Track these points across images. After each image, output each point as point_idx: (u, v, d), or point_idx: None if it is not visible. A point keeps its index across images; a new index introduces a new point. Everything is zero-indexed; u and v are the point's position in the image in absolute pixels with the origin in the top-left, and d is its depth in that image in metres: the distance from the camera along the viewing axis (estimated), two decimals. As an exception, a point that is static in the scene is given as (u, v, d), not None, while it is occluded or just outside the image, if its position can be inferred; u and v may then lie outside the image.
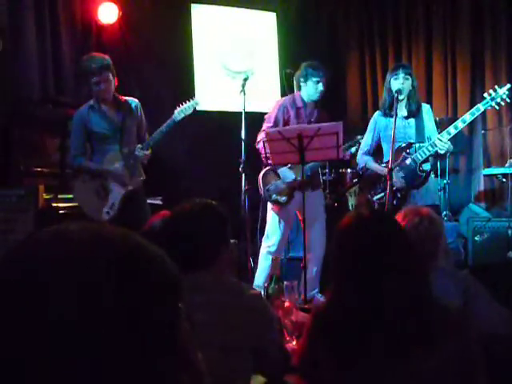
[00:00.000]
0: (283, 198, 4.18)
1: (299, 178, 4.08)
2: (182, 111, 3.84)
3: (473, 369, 1.40)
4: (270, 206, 4.29)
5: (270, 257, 4.10)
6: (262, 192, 4.22)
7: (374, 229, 1.50)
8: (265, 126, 4.26)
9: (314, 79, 4.19)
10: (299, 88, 4.31)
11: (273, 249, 4.19)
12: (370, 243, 1.46)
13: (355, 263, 1.47)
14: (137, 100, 3.91)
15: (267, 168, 4.25)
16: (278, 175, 4.23)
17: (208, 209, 1.81)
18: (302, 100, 4.27)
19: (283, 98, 4.40)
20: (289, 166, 4.22)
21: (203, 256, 1.73)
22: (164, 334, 0.55)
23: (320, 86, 4.21)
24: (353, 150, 4.46)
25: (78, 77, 3.83)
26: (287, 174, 4.22)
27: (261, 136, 4.18)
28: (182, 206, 1.82)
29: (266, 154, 3.98)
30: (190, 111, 3.87)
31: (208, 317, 1.58)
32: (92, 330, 0.51)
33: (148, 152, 3.80)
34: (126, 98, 3.87)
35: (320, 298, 4.15)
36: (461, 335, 1.41)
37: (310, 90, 4.23)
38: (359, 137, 4.43)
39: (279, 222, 4.21)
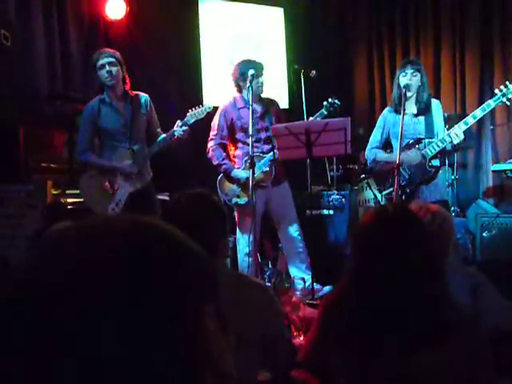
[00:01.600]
0: (242, 200, 4.25)
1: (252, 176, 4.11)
2: (194, 115, 3.90)
3: (483, 368, 1.39)
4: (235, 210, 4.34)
5: (247, 258, 4.16)
6: (222, 199, 4.26)
7: (399, 227, 1.47)
8: (210, 134, 4.32)
9: (252, 73, 4.05)
10: (239, 90, 4.27)
11: (247, 250, 4.21)
12: (394, 242, 1.43)
13: (376, 260, 1.44)
14: (146, 95, 3.93)
15: (221, 175, 4.33)
16: (232, 180, 4.28)
17: (202, 199, 1.79)
18: (244, 99, 4.24)
19: (224, 105, 4.35)
20: (242, 167, 4.25)
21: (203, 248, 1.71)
22: (187, 334, 0.54)
23: (261, 78, 4.17)
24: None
25: (90, 70, 3.88)
26: (239, 174, 4.25)
27: (209, 145, 4.30)
28: (177, 198, 1.79)
29: (214, 162, 4.24)
30: (202, 116, 3.94)
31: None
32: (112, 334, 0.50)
33: (187, 128, 3.85)
34: (136, 92, 3.90)
35: (316, 286, 4.12)
36: (473, 335, 1.40)
37: (254, 85, 4.08)
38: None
39: (246, 222, 4.23)
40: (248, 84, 4.03)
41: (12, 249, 3.55)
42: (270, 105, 4.38)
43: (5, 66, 4.09)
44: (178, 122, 3.86)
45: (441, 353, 1.36)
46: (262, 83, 4.21)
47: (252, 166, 3.83)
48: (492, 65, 6.06)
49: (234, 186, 4.28)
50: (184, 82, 5.88)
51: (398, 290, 1.39)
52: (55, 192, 3.99)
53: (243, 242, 4.26)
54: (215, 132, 4.29)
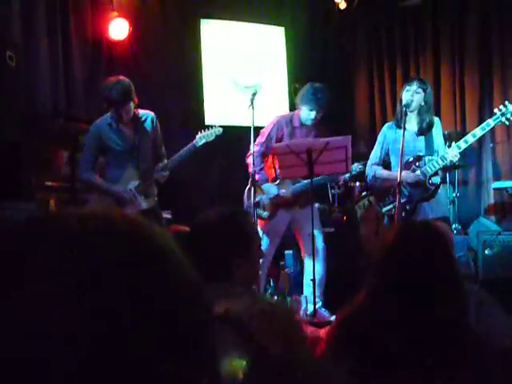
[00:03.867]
0: (265, 213, 4.22)
1: (281, 194, 4.11)
2: (203, 137, 3.92)
3: None
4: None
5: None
6: (246, 206, 4.24)
7: (425, 248, 1.45)
8: (258, 139, 4.28)
9: (309, 107, 4.15)
10: (298, 107, 4.28)
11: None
12: (419, 264, 1.42)
13: (399, 279, 1.43)
14: (152, 113, 3.95)
15: (249, 184, 4.25)
16: (261, 190, 4.24)
17: (223, 220, 1.74)
18: (300, 120, 4.26)
19: (281, 115, 4.38)
20: (277, 182, 4.23)
21: (213, 269, 1.69)
22: (191, 342, 0.53)
23: (312, 115, 4.17)
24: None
25: (101, 95, 3.87)
26: (270, 189, 4.23)
27: (254, 149, 4.18)
28: (202, 216, 1.76)
29: (250, 169, 4.11)
30: (211, 138, 3.95)
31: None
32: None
33: (166, 174, 3.84)
34: (143, 111, 3.91)
35: (324, 312, 4.12)
36: (485, 360, 1.39)
37: (304, 114, 4.21)
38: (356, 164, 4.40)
39: (263, 236, 4.18)
40: (306, 109, 4.12)
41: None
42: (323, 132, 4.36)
43: (9, 86, 4.13)
44: (158, 167, 3.85)
45: (453, 376, 1.35)
46: (313, 119, 4.21)
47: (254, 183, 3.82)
48: (491, 83, 6.11)
49: (264, 197, 4.24)
50: (186, 100, 5.92)
51: (414, 311, 1.38)
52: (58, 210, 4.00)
53: None
54: (263, 140, 4.24)
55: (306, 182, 4.11)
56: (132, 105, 3.73)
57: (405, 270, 1.44)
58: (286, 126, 4.26)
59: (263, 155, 4.29)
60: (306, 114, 4.18)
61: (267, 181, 4.25)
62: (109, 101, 3.69)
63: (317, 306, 4.10)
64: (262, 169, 4.25)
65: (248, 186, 4.28)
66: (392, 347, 1.36)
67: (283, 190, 4.20)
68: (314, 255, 3.76)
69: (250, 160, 4.19)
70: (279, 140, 4.24)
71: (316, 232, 4.22)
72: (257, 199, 4.19)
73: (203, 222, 1.76)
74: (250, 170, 4.12)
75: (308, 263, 4.28)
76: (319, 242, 4.28)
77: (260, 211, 4.19)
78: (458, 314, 1.41)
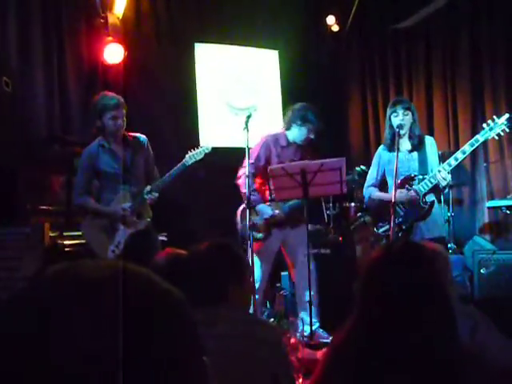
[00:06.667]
0: (259, 235, 4.21)
1: (276, 214, 4.11)
2: (193, 156, 3.94)
3: None
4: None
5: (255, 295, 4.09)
6: (240, 228, 4.22)
7: (407, 271, 1.39)
8: (246, 161, 4.27)
9: (309, 126, 4.20)
10: (287, 126, 4.29)
11: (256, 286, 4.10)
12: (400, 287, 1.37)
13: (380, 302, 1.40)
14: (144, 136, 3.98)
15: (243, 205, 4.24)
16: (255, 212, 4.22)
17: (219, 250, 1.86)
18: (287, 139, 4.28)
19: (267, 135, 4.37)
20: (268, 203, 4.24)
21: (214, 294, 1.76)
22: (179, 371, 0.55)
23: (304, 133, 4.23)
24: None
25: (91, 114, 3.90)
26: (265, 209, 4.23)
27: (241, 171, 4.21)
28: (197, 246, 1.87)
29: (242, 190, 4.12)
30: (200, 156, 3.98)
31: (221, 348, 1.58)
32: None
33: (156, 195, 3.84)
34: (134, 134, 3.95)
35: (322, 333, 4.11)
36: (477, 377, 1.37)
37: (302, 134, 4.23)
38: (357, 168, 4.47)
39: (259, 258, 4.19)
40: (298, 128, 4.13)
41: (8, 291, 3.52)
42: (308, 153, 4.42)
43: (5, 111, 4.15)
44: (147, 188, 3.84)
45: None
46: (303, 135, 4.26)
47: (249, 205, 3.83)
48: (483, 102, 6.18)
49: (257, 218, 4.23)
50: (181, 123, 5.96)
51: (400, 336, 1.35)
52: (53, 234, 3.99)
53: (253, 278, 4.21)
54: (252, 161, 4.22)
55: (294, 201, 4.17)
56: (123, 112, 3.74)
57: (383, 294, 1.40)
58: (273, 146, 4.29)
59: (253, 176, 4.30)
60: (298, 132, 4.22)
61: (261, 201, 4.24)
62: (100, 111, 3.72)
63: (314, 327, 4.08)
64: (254, 190, 4.25)
65: (241, 208, 4.28)
66: (379, 372, 1.34)
67: (277, 211, 4.21)
68: (309, 276, 3.76)
69: (240, 181, 4.20)
70: (267, 160, 4.26)
71: (302, 252, 4.24)
72: (252, 221, 4.20)
73: (201, 251, 1.86)
74: (243, 190, 4.13)
75: (299, 285, 4.28)
76: (306, 262, 4.29)
77: (255, 233, 4.19)
78: (445, 336, 1.37)
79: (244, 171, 4.12)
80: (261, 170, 4.29)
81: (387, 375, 1.34)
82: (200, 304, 1.65)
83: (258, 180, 4.36)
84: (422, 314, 1.36)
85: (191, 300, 0.63)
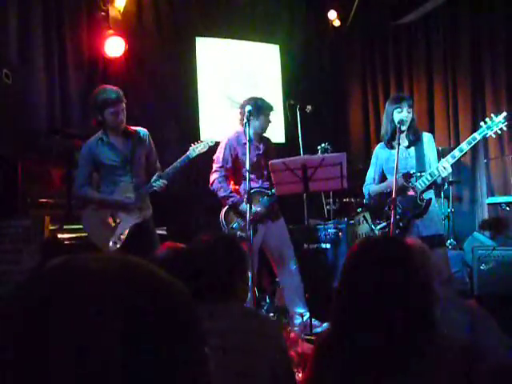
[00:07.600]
0: (245, 234, 4.23)
1: (259, 211, 4.13)
2: (196, 148, 3.93)
3: None
4: None
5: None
6: (226, 231, 4.25)
7: (374, 270, 1.39)
8: (214, 166, 4.33)
9: (267, 112, 4.25)
10: (244, 124, 4.22)
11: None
12: (368, 286, 1.37)
13: (358, 295, 1.40)
14: (145, 130, 3.97)
15: (226, 207, 4.29)
16: (237, 213, 4.25)
17: (224, 243, 1.85)
18: (247, 135, 4.25)
19: (227, 138, 4.39)
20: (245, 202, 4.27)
21: (216, 288, 1.76)
22: (187, 371, 0.55)
23: (269, 120, 4.30)
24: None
25: (91, 108, 3.86)
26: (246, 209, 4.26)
27: (213, 177, 4.28)
28: (199, 239, 1.85)
29: (220, 194, 4.22)
30: (205, 149, 3.98)
31: (224, 343, 1.59)
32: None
33: (166, 182, 3.84)
34: (135, 127, 3.93)
35: (314, 322, 4.09)
36: (457, 366, 1.36)
37: (264, 123, 4.27)
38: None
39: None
40: (245, 120, 4.10)
41: (8, 285, 3.53)
42: (270, 143, 4.45)
43: (5, 103, 4.14)
44: (156, 176, 3.83)
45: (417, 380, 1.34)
46: (266, 123, 4.30)
47: (249, 201, 3.84)
48: (484, 98, 6.17)
49: (239, 219, 4.27)
50: (181, 117, 5.95)
51: (379, 327, 1.35)
52: (53, 227, 3.98)
53: None
54: (220, 164, 4.28)
55: (269, 197, 4.25)
56: (123, 106, 3.74)
57: (357, 290, 1.40)
58: (237, 145, 4.32)
59: (227, 178, 4.33)
60: (266, 122, 4.28)
61: (242, 201, 4.25)
62: (101, 105, 3.69)
63: (305, 318, 4.11)
64: (231, 191, 4.29)
65: (223, 212, 4.32)
66: (365, 369, 1.34)
67: (259, 208, 4.24)
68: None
69: (215, 186, 4.28)
70: (234, 160, 4.30)
71: (288, 246, 4.37)
72: (233, 225, 4.25)
73: (203, 245, 1.84)
74: (221, 194, 4.24)
75: (288, 297, 4.37)
76: (291, 255, 4.37)
77: (241, 233, 4.21)
78: (426, 328, 1.36)
79: (216, 176, 4.25)
80: (231, 172, 4.33)
81: (365, 371, 1.34)
82: (202, 299, 1.66)
83: (231, 181, 4.39)
84: (392, 314, 1.33)
85: (195, 294, 0.63)
